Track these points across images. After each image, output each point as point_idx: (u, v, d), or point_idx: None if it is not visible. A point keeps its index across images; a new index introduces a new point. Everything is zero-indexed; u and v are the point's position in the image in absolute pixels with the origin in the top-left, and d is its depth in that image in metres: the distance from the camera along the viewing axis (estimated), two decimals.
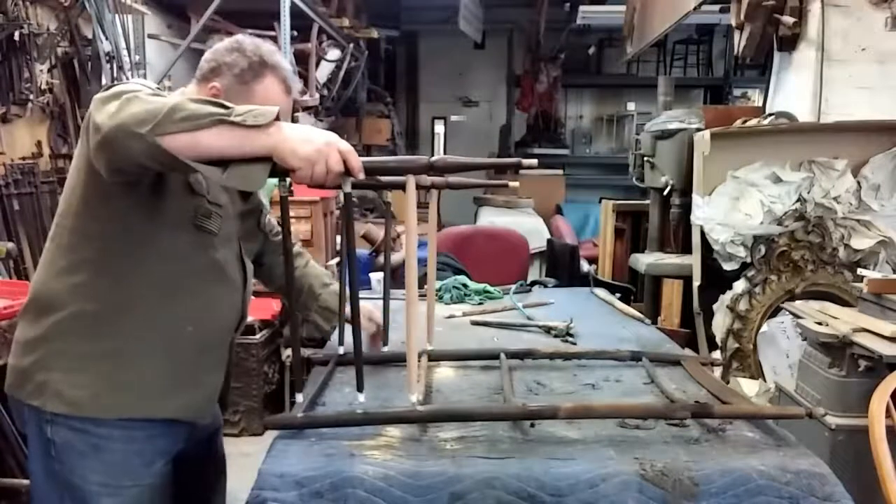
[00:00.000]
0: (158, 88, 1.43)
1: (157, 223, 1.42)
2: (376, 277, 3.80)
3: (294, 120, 4.87)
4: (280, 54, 1.59)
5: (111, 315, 1.42)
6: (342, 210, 1.36)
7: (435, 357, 1.82)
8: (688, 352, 2.28)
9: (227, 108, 1.21)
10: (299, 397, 1.45)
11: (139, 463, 1.45)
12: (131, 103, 1.22)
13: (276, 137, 1.21)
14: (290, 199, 1.37)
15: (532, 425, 1.37)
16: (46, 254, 1.49)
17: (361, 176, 1.28)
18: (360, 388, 1.39)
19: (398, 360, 1.76)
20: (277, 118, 1.23)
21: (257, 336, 3.70)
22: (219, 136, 1.20)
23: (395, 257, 3.98)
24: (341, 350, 1.77)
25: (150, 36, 5.31)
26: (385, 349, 1.84)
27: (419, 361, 1.68)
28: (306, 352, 1.86)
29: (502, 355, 1.80)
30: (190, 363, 1.50)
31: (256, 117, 1.21)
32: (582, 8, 7.43)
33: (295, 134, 1.23)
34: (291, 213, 3.89)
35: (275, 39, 4.56)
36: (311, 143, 1.23)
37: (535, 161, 1.45)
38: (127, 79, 4.35)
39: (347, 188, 1.32)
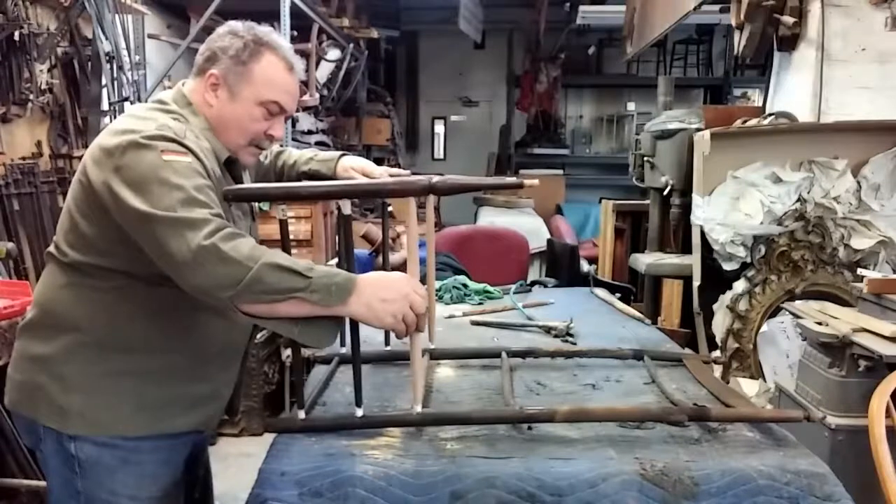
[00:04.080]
0: (174, 117, 1.39)
1: None
2: None
3: (294, 120, 4.87)
4: (277, 33, 1.53)
5: (134, 337, 1.39)
6: (343, 228, 1.36)
7: (437, 356, 1.82)
8: (688, 352, 2.27)
9: (306, 277, 1.21)
10: (300, 414, 1.41)
11: (166, 472, 1.45)
12: (210, 257, 1.19)
13: (354, 308, 1.24)
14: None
15: (529, 428, 1.37)
16: (55, 270, 1.43)
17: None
18: (358, 403, 1.37)
19: (399, 358, 1.76)
20: (355, 284, 1.23)
21: (257, 336, 3.69)
22: (297, 307, 1.22)
23: (395, 257, 3.97)
24: (343, 349, 1.76)
25: (150, 36, 5.31)
26: (388, 348, 1.84)
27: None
28: (307, 352, 1.85)
29: (503, 354, 1.80)
30: (211, 379, 1.51)
31: (336, 293, 1.22)
32: (582, 8, 7.42)
33: (374, 298, 1.24)
34: (291, 213, 3.90)
35: None
36: (391, 305, 1.24)
37: (536, 181, 1.46)
38: (127, 79, 4.35)
39: (347, 209, 1.33)
